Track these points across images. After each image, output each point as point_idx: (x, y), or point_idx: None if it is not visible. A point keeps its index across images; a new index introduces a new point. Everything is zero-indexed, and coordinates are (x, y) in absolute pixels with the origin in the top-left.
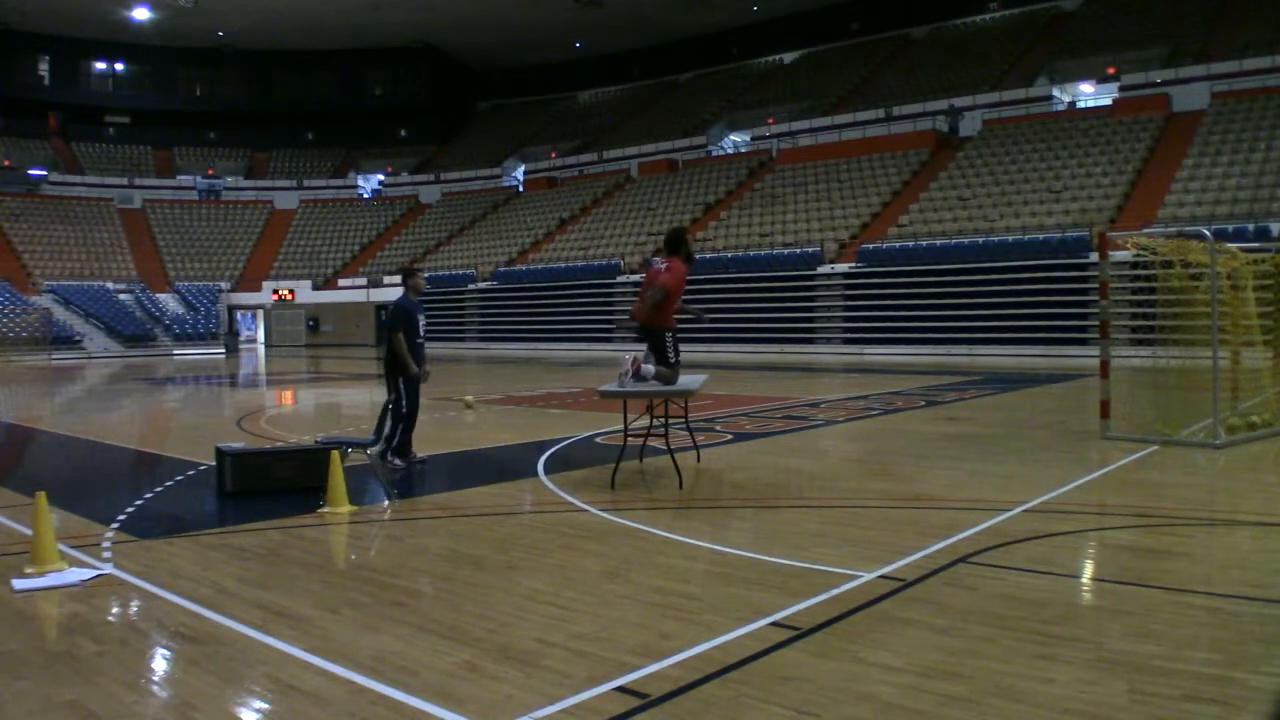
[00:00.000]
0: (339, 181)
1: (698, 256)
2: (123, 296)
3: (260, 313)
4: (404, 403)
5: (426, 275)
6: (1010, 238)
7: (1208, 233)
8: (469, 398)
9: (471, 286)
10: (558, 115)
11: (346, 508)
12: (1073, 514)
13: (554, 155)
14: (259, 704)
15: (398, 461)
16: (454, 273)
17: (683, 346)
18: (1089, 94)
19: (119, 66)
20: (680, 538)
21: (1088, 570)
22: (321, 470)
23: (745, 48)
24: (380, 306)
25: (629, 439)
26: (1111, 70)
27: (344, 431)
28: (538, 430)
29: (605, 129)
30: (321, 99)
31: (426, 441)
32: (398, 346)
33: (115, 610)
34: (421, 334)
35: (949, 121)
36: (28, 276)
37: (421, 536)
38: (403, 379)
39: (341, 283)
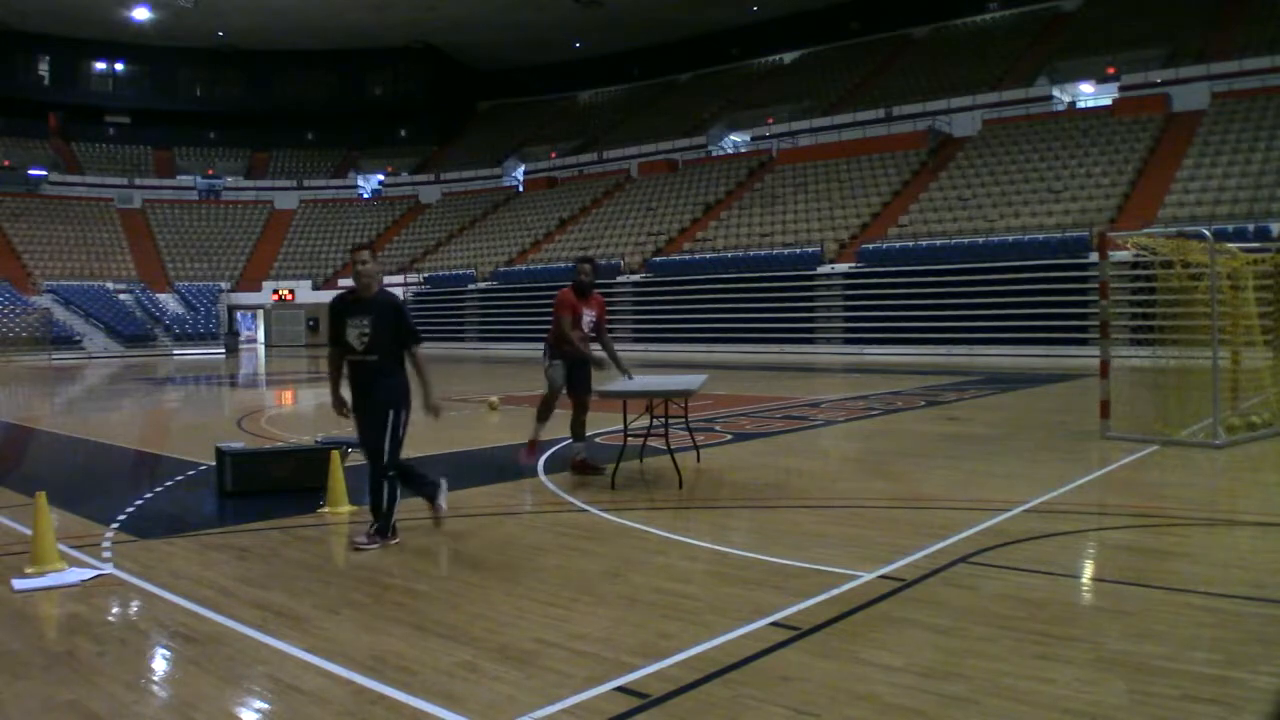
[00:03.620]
0: (339, 181)
1: (698, 257)
2: (123, 297)
3: (260, 313)
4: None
5: (426, 275)
6: (1010, 238)
7: (1208, 233)
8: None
9: (471, 286)
10: (558, 115)
11: (346, 508)
12: (1073, 514)
13: (554, 155)
14: (259, 704)
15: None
16: (454, 273)
17: (684, 346)
18: (1089, 94)
19: (119, 66)
20: (680, 538)
21: (1088, 570)
22: (321, 470)
23: (745, 48)
24: None
25: (629, 439)
26: (1111, 70)
27: (344, 431)
28: None
29: (605, 129)
30: (321, 99)
31: (427, 441)
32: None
33: (115, 610)
34: (359, 345)
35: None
36: (28, 276)
37: (421, 536)
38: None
39: (342, 283)
